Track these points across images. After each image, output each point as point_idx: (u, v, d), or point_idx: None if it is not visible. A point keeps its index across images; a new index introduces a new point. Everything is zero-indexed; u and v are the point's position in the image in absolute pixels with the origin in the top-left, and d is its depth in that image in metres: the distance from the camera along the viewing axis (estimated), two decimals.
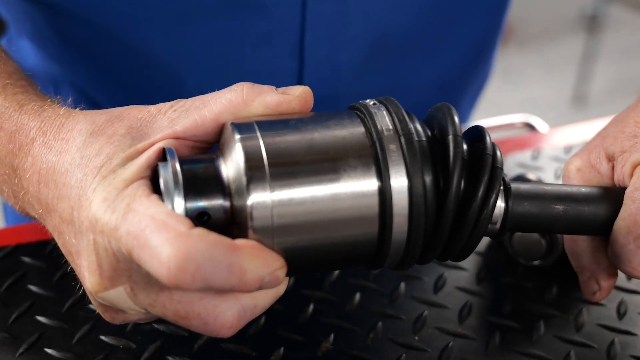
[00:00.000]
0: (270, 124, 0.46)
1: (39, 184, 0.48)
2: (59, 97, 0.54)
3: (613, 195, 0.55)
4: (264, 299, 0.46)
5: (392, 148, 0.46)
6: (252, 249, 0.42)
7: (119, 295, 0.45)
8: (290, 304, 0.61)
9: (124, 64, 0.82)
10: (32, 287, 0.62)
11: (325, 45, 0.80)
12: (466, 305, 0.63)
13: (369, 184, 0.45)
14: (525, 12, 3.80)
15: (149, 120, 0.47)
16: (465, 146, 0.49)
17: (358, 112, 0.48)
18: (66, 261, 0.63)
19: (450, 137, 0.48)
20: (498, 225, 0.52)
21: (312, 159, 0.45)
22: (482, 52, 0.95)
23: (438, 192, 0.47)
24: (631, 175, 0.55)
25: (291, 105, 0.48)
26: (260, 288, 0.43)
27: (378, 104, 0.48)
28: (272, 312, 0.60)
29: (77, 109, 0.51)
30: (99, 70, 0.84)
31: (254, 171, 0.43)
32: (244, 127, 0.45)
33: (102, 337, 0.57)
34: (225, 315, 0.44)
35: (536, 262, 0.66)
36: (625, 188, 0.55)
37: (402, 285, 0.64)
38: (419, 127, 0.48)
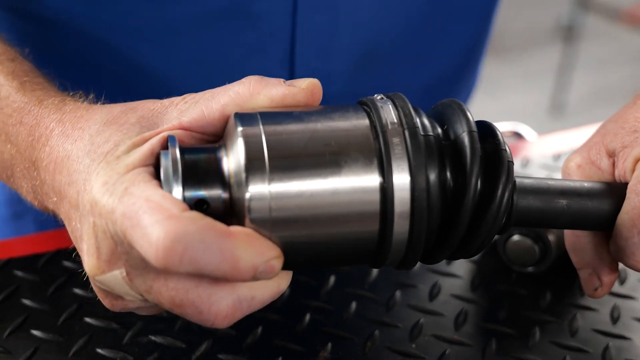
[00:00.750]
0: (274, 115, 0.46)
1: (54, 172, 0.48)
2: (80, 92, 0.55)
3: (615, 190, 0.55)
4: (263, 292, 0.45)
5: (396, 141, 0.45)
6: (246, 237, 0.42)
7: (115, 279, 0.45)
8: (287, 314, 0.61)
9: (114, 75, 0.82)
10: (26, 301, 0.61)
11: (315, 55, 0.80)
12: (462, 313, 0.63)
13: (370, 178, 0.44)
14: (503, 23, 3.83)
15: (160, 111, 0.48)
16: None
17: (364, 106, 0.48)
18: (60, 274, 0.63)
19: (466, 134, 0.47)
20: (503, 219, 0.51)
21: (313, 150, 0.44)
22: (469, 61, 0.96)
23: (444, 188, 0.46)
24: (633, 170, 0.55)
25: (297, 97, 0.48)
26: (254, 278, 0.42)
27: (385, 98, 0.48)
28: (269, 322, 0.60)
29: (99, 103, 0.52)
30: (88, 81, 0.84)
31: (253, 162, 0.43)
32: (246, 118, 0.45)
33: (99, 350, 0.57)
34: (220, 304, 0.43)
35: (530, 269, 0.67)
36: (627, 183, 0.55)
37: (398, 293, 0.65)
38: (426, 122, 0.47)
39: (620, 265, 0.58)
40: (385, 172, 0.44)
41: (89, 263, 0.45)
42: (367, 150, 0.45)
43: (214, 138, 0.49)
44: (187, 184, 0.44)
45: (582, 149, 0.61)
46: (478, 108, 1.05)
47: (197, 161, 0.45)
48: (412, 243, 0.46)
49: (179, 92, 0.80)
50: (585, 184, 0.55)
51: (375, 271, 0.66)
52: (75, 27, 0.77)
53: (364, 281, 0.65)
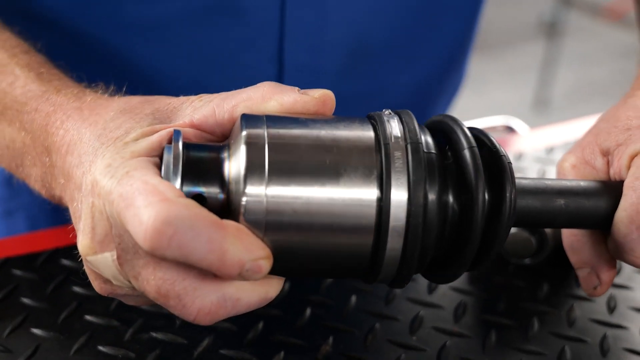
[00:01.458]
0: (280, 119, 0.46)
1: (66, 154, 0.49)
2: (101, 83, 0.55)
3: (612, 188, 0.55)
4: (250, 295, 0.45)
5: (397, 155, 0.45)
6: (236, 231, 0.42)
7: (106, 261, 0.45)
8: (288, 309, 0.62)
9: (104, 72, 0.82)
10: (25, 300, 0.61)
11: (304, 50, 0.80)
12: (461, 305, 0.63)
13: (368, 189, 0.44)
14: (486, 20, 3.84)
15: (175, 106, 0.49)
16: None
17: (372, 120, 0.48)
18: (59, 273, 0.63)
19: (467, 150, 0.47)
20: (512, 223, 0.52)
21: (314, 156, 0.44)
22: (457, 57, 0.96)
23: (445, 207, 0.46)
24: (628, 167, 0.56)
25: (307, 105, 0.48)
26: (241, 275, 0.42)
27: (392, 113, 0.48)
28: (270, 317, 0.61)
29: (118, 95, 0.53)
30: (78, 79, 0.84)
31: (253, 162, 0.43)
32: (252, 120, 0.45)
33: (100, 348, 0.57)
34: (204, 300, 0.43)
35: (526, 261, 0.67)
36: (622, 181, 0.56)
37: None
38: (429, 140, 0.47)
39: None
40: (384, 185, 0.44)
41: (83, 242, 0.45)
42: (368, 161, 0.45)
43: (221, 139, 0.49)
44: (186, 178, 0.44)
45: (576, 149, 0.61)
46: (463, 104, 1.05)
47: (199, 158, 0.45)
48: (405, 259, 0.46)
49: (169, 89, 0.81)
50: (582, 183, 0.55)
51: None
52: (65, 24, 0.77)
53: None
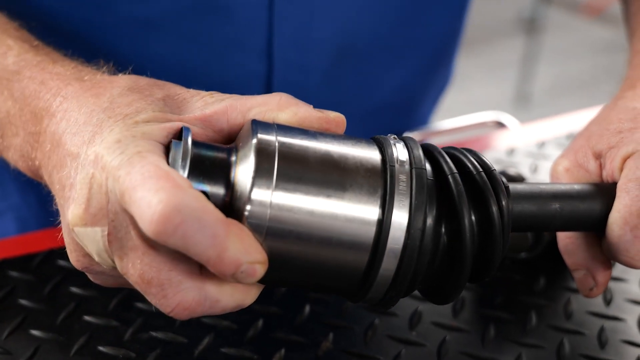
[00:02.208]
0: (290, 129, 0.46)
1: (61, 120, 0.48)
2: (101, 60, 0.55)
3: (605, 190, 0.56)
4: (228, 299, 0.45)
5: (402, 178, 0.45)
6: (239, 230, 0.42)
7: (94, 235, 0.44)
8: (287, 306, 0.62)
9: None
10: (23, 301, 0.61)
11: (293, 47, 0.80)
12: (459, 300, 0.64)
13: (371, 207, 0.45)
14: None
15: (185, 98, 0.49)
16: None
17: (377, 142, 0.48)
18: (55, 273, 0.62)
19: (450, 177, 0.47)
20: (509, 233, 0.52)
21: (322, 169, 0.45)
22: (444, 54, 0.97)
23: (439, 233, 0.47)
24: (621, 169, 0.56)
25: (320, 122, 0.48)
26: (234, 276, 0.42)
27: (398, 139, 0.49)
28: (269, 315, 0.61)
29: (120, 74, 0.52)
30: None
31: (262, 168, 0.43)
32: (263, 126, 0.46)
33: (101, 348, 0.57)
34: (187, 295, 0.43)
35: (522, 255, 0.68)
36: (615, 183, 0.56)
37: None
38: (429, 167, 0.48)
39: None
40: (387, 205, 0.45)
41: (74, 212, 0.44)
42: (373, 180, 0.45)
43: (226, 139, 0.49)
44: (191, 174, 0.44)
45: (569, 153, 0.62)
46: (444, 101, 1.06)
47: (206, 156, 0.45)
48: (396, 281, 0.46)
49: None
50: (576, 186, 0.56)
51: None
52: (50, 23, 0.77)
53: None
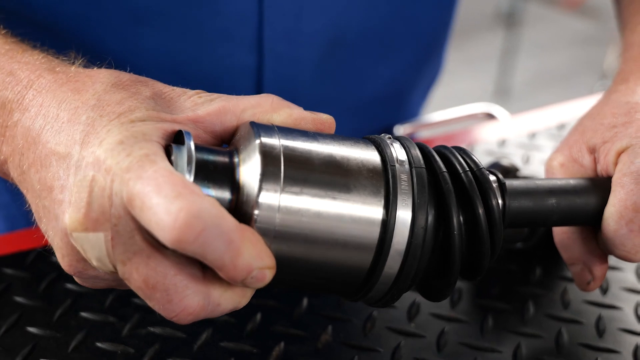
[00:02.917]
0: (290, 131, 0.46)
1: (35, 116, 0.46)
2: (71, 52, 0.53)
3: (600, 185, 0.56)
4: (227, 301, 0.44)
5: (403, 178, 0.46)
6: (252, 236, 0.42)
7: (97, 241, 0.42)
8: (284, 300, 0.61)
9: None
10: (19, 299, 0.60)
11: (283, 40, 0.80)
12: (456, 291, 0.64)
13: (376, 207, 0.45)
14: None
15: (172, 97, 0.48)
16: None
17: (373, 142, 0.48)
18: (50, 270, 0.62)
19: (439, 176, 0.48)
20: (502, 226, 0.52)
21: (326, 171, 0.44)
22: (434, 46, 0.97)
23: (437, 230, 0.47)
24: (615, 164, 0.57)
25: (315, 123, 0.48)
26: (244, 281, 0.42)
27: (393, 138, 0.49)
28: (268, 308, 0.60)
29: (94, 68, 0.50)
30: None
31: (269, 171, 0.43)
32: (264, 128, 0.45)
33: (99, 344, 0.56)
34: (192, 300, 0.43)
35: (518, 246, 0.68)
36: (610, 177, 0.57)
37: None
38: (423, 163, 0.48)
39: None
40: (391, 205, 0.45)
41: (72, 216, 0.42)
42: (377, 180, 0.45)
43: (218, 141, 0.48)
44: (196, 180, 0.43)
45: (563, 148, 0.62)
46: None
47: (209, 161, 0.44)
48: (399, 279, 0.46)
49: None
50: (571, 181, 0.56)
51: None
52: (34, 17, 0.76)
53: None
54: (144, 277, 0.42)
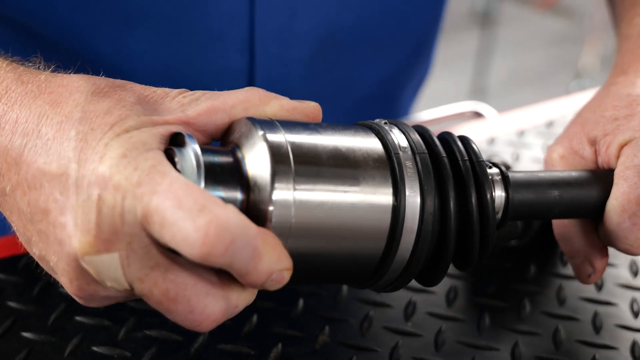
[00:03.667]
0: (291, 124, 0.45)
1: (12, 134, 0.43)
2: (37, 58, 0.50)
3: (601, 177, 0.56)
4: (243, 301, 0.44)
5: (409, 165, 0.46)
6: (271, 239, 0.41)
7: (111, 261, 0.40)
8: (280, 300, 0.61)
9: (66, 70, 0.79)
10: (12, 304, 0.59)
11: (275, 40, 0.80)
12: (452, 289, 0.64)
13: (385, 196, 0.45)
14: None
15: (155, 99, 0.45)
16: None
17: (371, 130, 0.48)
18: (44, 274, 0.61)
19: (439, 160, 0.48)
20: (499, 215, 0.52)
21: (335, 162, 0.44)
22: (424, 47, 0.97)
23: (443, 212, 0.47)
24: (617, 156, 0.57)
25: (306, 111, 0.48)
26: (263, 284, 0.41)
27: (389, 124, 0.49)
28: (264, 310, 0.60)
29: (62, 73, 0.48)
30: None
31: (279, 165, 0.42)
32: (265, 123, 0.44)
33: (95, 348, 0.56)
34: (214, 307, 0.42)
35: (513, 243, 0.68)
36: (612, 169, 0.57)
37: None
38: (425, 148, 0.48)
39: None
40: (400, 193, 0.45)
41: (82, 240, 0.40)
42: (383, 169, 0.45)
43: (209, 139, 0.47)
44: (207, 184, 0.42)
45: (563, 140, 0.62)
46: None
47: (215, 162, 0.43)
48: (410, 264, 0.47)
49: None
50: (573, 174, 0.56)
51: None
52: (24, 23, 0.75)
53: None
54: (163, 291, 0.41)
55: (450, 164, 0.48)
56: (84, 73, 0.79)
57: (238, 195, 0.43)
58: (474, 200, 0.48)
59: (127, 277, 0.41)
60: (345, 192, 0.44)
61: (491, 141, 0.86)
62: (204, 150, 0.43)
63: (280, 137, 0.43)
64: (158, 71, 0.80)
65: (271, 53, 0.80)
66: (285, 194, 0.42)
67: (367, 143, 0.46)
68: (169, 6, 0.75)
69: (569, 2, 4.40)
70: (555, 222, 0.61)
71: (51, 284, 0.61)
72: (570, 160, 0.60)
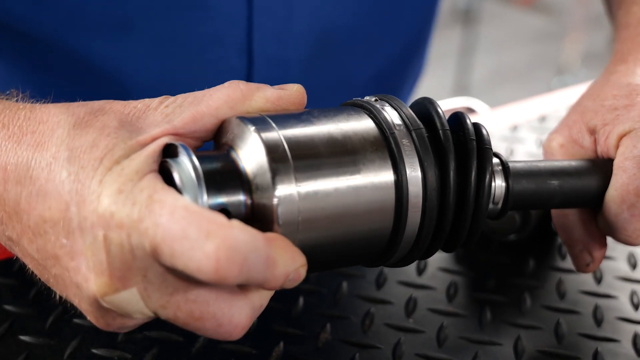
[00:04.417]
0: (282, 117, 0.45)
1: (5, 183, 0.42)
2: (12, 90, 0.49)
3: (601, 167, 0.56)
4: (266, 299, 0.44)
5: (405, 142, 0.46)
6: (281, 242, 0.41)
7: (131, 297, 0.41)
8: (281, 299, 0.60)
9: (63, 75, 0.79)
10: (8, 307, 0.58)
11: (273, 41, 0.79)
12: (452, 285, 0.64)
13: (387, 178, 0.45)
14: None
15: (138, 116, 0.44)
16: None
17: (363, 109, 0.48)
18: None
19: (440, 132, 0.47)
20: (500, 204, 0.52)
21: (332, 151, 0.44)
22: (418, 44, 0.97)
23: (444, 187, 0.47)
24: (617, 147, 0.57)
25: (291, 99, 0.47)
26: (282, 285, 0.41)
27: (380, 100, 0.48)
28: (264, 309, 0.59)
29: (32, 102, 0.46)
30: (37, 82, 0.80)
31: (278, 164, 0.42)
32: (256, 120, 0.44)
33: (94, 351, 0.55)
34: (240, 315, 0.42)
35: (511, 237, 0.68)
36: (611, 159, 0.57)
37: (385, 270, 0.65)
38: (420, 122, 0.47)
39: None
40: (400, 172, 0.45)
41: (98, 282, 0.40)
42: (381, 152, 0.45)
43: (201, 143, 0.46)
44: (209, 192, 0.42)
45: (562, 128, 0.62)
46: None
47: (213, 169, 0.43)
48: (420, 238, 0.47)
49: (134, 89, 0.79)
50: (573, 163, 0.56)
51: None
52: (20, 27, 0.74)
53: None
54: (187, 312, 0.41)
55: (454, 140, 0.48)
56: (79, 77, 0.78)
57: (241, 198, 0.43)
58: (473, 177, 0.48)
59: (149, 307, 0.41)
60: (347, 180, 0.44)
61: None
62: (200, 159, 0.42)
63: (275, 134, 0.43)
64: (155, 75, 0.79)
65: (269, 54, 0.80)
66: (288, 192, 0.42)
67: (361, 126, 0.46)
68: (166, 9, 0.74)
69: None
70: (554, 212, 0.61)
71: (46, 286, 0.60)
72: (569, 149, 0.60)
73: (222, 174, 0.43)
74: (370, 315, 0.60)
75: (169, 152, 0.43)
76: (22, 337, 0.56)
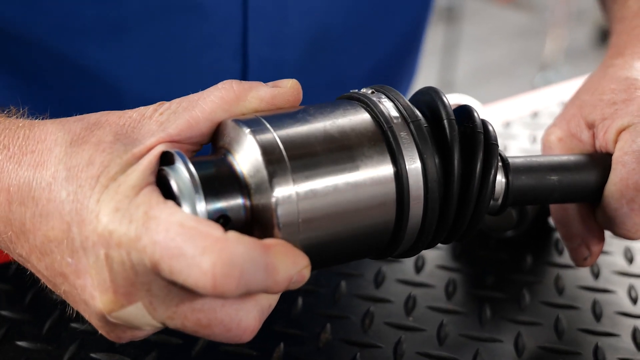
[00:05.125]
0: (277, 117, 0.44)
1: (9, 204, 0.43)
2: (10, 107, 0.49)
3: (600, 161, 0.56)
4: (274, 299, 0.44)
5: (404, 135, 0.45)
6: (282, 248, 0.40)
7: (138, 311, 0.41)
8: (279, 300, 0.59)
9: (57, 78, 0.78)
10: (4, 312, 0.58)
11: (268, 43, 0.79)
12: (450, 282, 0.63)
13: (386, 172, 0.44)
14: None
15: (133, 126, 0.44)
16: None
17: (359, 102, 0.47)
18: (34, 282, 0.59)
19: (446, 122, 0.47)
20: (500, 200, 0.52)
21: (329, 148, 0.43)
22: (413, 42, 0.96)
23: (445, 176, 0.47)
24: (615, 141, 0.57)
25: (285, 97, 0.47)
26: (287, 288, 0.41)
27: (377, 92, 0.48)
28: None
29: (30, 118, 0.47)
30: (30, 87, 0.79)
31: (275, 165, 0.41)
32: (251, 122, 0.43)
33: (93, 355, 0.54)
34: (248, 319, 0.42)
35: (508, 234, 0.68)
36: (609, 153, 0.57)
37: (384, 268, 0.64)
38: (418, 113, 0.47)
39: None
40: (399, 165, 0.45)
41: (104, 299, 0.41)
42: (380, 147, 0.45)
43: (199, 148, 0.46)
44: (207, 198, 0.41)
45: (561, 122, 0.62)
46: None
47: (209, 173, 0.42)
48: (424, 229, 0.46)
49: (129, 93, 0.78)
50: (572, 158, 0.56)
51: None
52: (13, 32, 0.73)
53: None
54: (195, 321, 0.41)
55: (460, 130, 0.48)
56: (74, 80, 0.77)
57: (240, 202, 0.42)
58: (478, 168, 0.47)
59: (156, 319, 0.42)
60: (346, 177, 0.43)
61: None
62: (196, 165, 0.42)
63: (270, 136, 0.42)
64: (150, 77, 0.78)
65: (264, 56, 0.80)
66: (286, 193, 0.41)
67: (358, 121, 0.45)
68: (161, 11, 0.73)
69: None
70: (553, 206, 0.61)
71: (43, 291, 0.59)
72: (568, 143, 0.60)
73: (219, 179, 0.42)
74: (370, 314, 0.60)
75: (166, 159, 0.43)
76: (20, 343, 0.55)
